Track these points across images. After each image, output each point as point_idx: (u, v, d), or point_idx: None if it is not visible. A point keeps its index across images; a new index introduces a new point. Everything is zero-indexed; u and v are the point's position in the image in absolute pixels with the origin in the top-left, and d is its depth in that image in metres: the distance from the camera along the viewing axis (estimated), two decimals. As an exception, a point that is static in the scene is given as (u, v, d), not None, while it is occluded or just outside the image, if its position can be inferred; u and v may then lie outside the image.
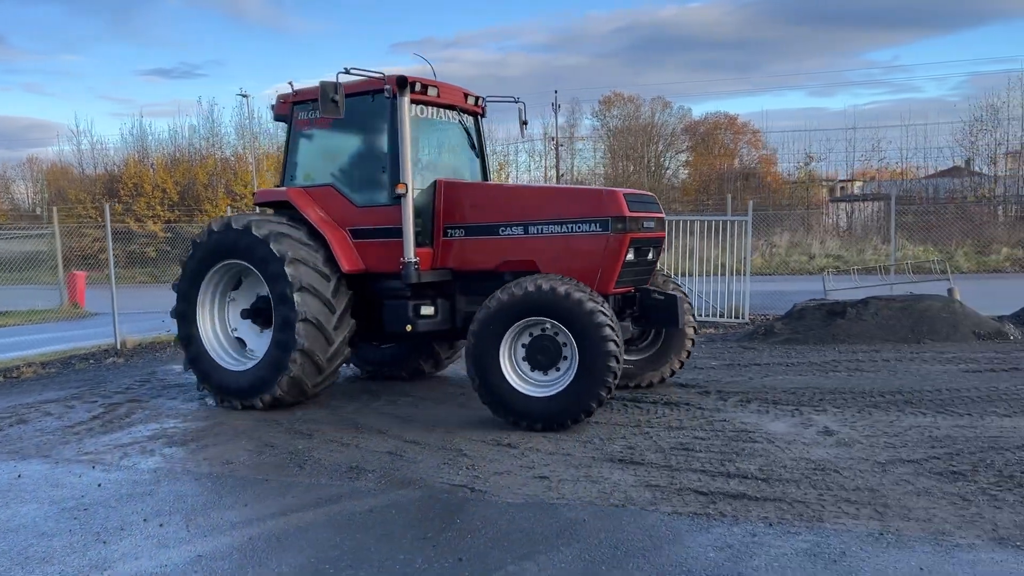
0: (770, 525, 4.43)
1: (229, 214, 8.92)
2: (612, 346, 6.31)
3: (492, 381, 6.65)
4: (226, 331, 8.14)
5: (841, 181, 41.59)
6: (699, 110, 79.21)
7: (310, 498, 5.14)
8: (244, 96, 30.30)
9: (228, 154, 33.89)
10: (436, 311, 7.56)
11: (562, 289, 6.44)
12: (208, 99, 70.22)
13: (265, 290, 7.67)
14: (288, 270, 7.21)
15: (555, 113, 39.55)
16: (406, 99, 7.30)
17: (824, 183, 40.70)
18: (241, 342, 8.17)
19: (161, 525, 4.71)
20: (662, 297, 7.42)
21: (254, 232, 7.40)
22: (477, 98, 8.45)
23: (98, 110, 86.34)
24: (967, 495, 4.75)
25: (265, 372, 7.47)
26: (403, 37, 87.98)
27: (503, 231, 7.36)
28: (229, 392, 7.74)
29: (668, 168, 49.15)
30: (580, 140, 47.29)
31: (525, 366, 6.71)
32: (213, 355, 7.92)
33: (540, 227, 7.21)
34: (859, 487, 4.96)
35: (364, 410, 7.63)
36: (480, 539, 4.39)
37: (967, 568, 3.84)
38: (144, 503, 5.11)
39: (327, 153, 8.32)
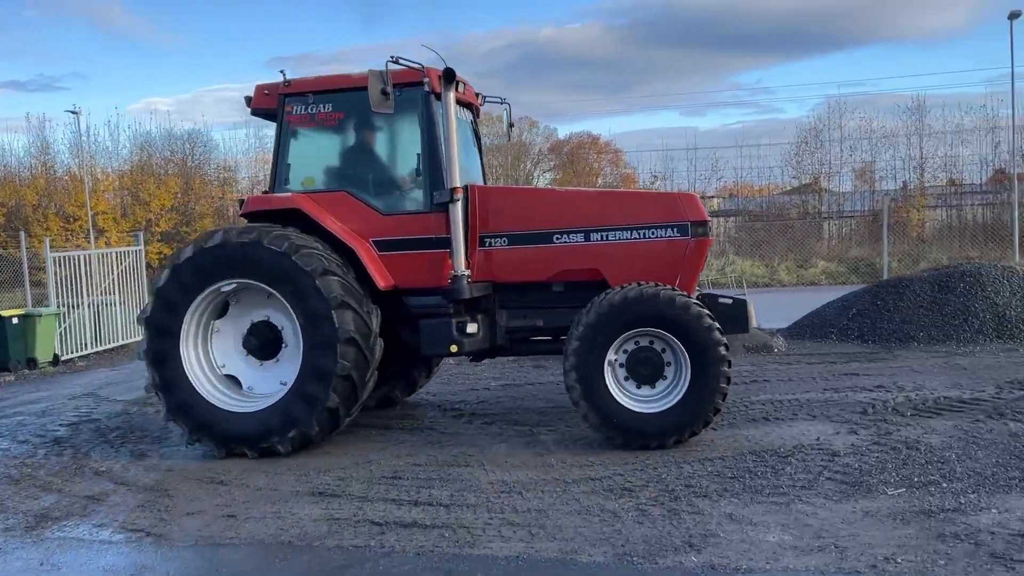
0: (419, 555, 4.52)
1: (221, 227, 7.35)
2: (725, 351, 6.24)
3: (599, 399, 6.32)
4: (213, 367, 7.01)
5: (705, 197, 43.40)
6: (576, 128, 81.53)
7: (-36, 553, 4.86)
8: (75, 113, 28.62)
9: (61, 173, 32.06)
10: (479, 328, 6.98)
11: (668, 297, 6.25)
12: (38, 114, 65.64)
13: (263, 314, 6.93)
14: (321, 284, 6.37)
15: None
16: (452, 95, 6.68)
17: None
18: (231, 379, 7.07)
19: None
20: (730, 302, 7.16)
21: (268, 244, 6.46)
22: (484, 97, 8.17)
23: (-64, 125, 79.74)
24: (620, 511, 5.00)
25: (291, 407, 6.53)
26: (280, 51, 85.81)
27: (558, 239, 6.93)
28: (239, 439, 6.65)
29: (537, 186, 50.16)
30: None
31: (629, 383, 6.47)
32: (209, 398, 6.76)
33: (605, 233, 6.88)
34: (530, 508, 5.14)
35: (101, 447, 7.31)
36: (114, 588, 4.27)
37: (568, 587, 4.04)
38: None
39: (335, 154, 7.52)
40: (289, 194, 7.07)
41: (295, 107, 7.15)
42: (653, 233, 6.85)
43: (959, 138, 30.62)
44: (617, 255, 6.87)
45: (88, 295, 13.85)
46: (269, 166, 7.78)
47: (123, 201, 31.82)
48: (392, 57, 6.53)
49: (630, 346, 6.45)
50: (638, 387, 6.47)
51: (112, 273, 14.44)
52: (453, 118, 6.63)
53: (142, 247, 15.35)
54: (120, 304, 14.60)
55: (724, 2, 76.33)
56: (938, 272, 12.02)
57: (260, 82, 7.37)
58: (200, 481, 6.14)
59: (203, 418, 6.69)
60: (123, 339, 14.60)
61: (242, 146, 40.15)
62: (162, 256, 27.02)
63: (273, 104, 7.25)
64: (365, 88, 6.47)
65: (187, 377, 6.76)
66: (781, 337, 11.73)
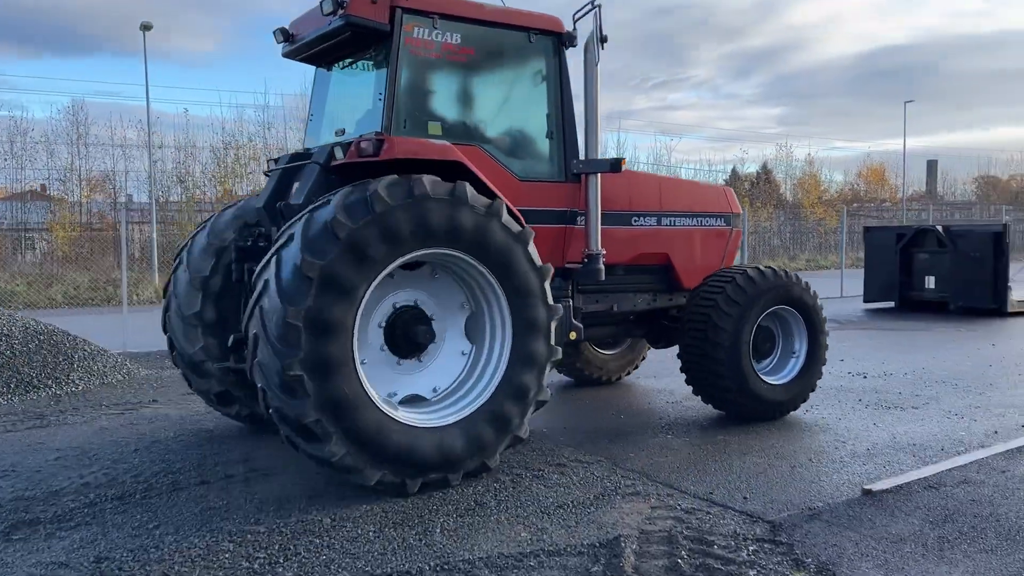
0: None
1: (398, 177, 4.99)
2: (827, 332, 7.18)
3: (743, 371, 6.60)
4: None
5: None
6: None
7: None
8: None
9: None
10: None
11: (798, 278, 6.98)
12: None
13: (389, 303, 5.32)
14: (532, 253, 5.35)
15: None
16: (599, 54, 6.20)
17: None
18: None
19: None
20: None
21: (472, 202, 5.08)
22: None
23: None
24: None
25: (503, 404, 5.27)
26: None
27: (636, 221, 6.84)
28: (450, 461, 5.09)
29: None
30: None
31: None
32: (402, 417, 5.03)
33: (673, 219, 7.06)
34: None
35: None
36: None
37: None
38: None
39: (460, 99, 6.19)
40: (445, 143, 5.56)
41: (417, 28, 5.68)
42: (706, 221, 7.29)
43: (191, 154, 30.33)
44: (681, 240, 7.11)
45: None
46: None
47: None
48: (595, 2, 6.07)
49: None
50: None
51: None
52: (598, 78, 6.19)
53: None
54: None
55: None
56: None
57: None
58: None
59: (403, 444, 4.91)
60: None
61: None
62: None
63: (379, 17, 5.54)
64: (500, 25, 6.02)
65: (366, 393, 4.84)
66: None
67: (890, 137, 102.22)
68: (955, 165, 72.45)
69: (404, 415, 5.10)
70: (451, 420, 5.19)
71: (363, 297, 4.81)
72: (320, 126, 6.53)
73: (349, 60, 6.32)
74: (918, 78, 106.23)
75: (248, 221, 6.37)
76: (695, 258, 7.20)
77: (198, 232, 6.55)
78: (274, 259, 4.79)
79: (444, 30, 5.81)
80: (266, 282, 4.76)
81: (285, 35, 6.26)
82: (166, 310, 6.51)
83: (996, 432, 6.47)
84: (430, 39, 5.77)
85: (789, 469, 5.59)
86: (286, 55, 6.44)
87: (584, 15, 6.24)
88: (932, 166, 62.40)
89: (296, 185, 5.85)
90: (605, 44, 6.12)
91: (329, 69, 6.59)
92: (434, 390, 5.49)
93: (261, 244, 6.04)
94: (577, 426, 6.93)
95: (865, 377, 9.05)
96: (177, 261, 6.50)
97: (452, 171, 5.33)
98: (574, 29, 6.36)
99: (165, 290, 6.62)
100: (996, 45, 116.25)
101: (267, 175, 6.46)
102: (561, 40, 6.27)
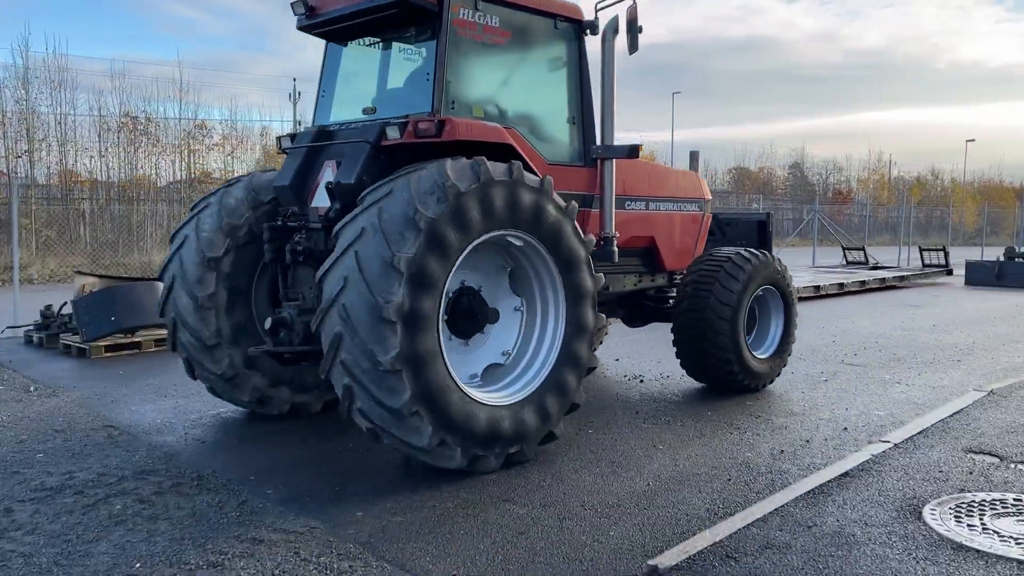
0: None
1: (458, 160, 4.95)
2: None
3: (740, 346, 7.07)
4: None
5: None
6: None
7: None
8: None
9: None
10: None
11: (778, 261, 7.53)
12: None
13: (475, 281, 5.50)
14: (580, 227, 5.56)
15: None
16: (614, 42, 6.32)
17: None
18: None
19: None
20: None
21: (527, 182, 5.17)
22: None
23: None
24: None
25: (560, 375, 5.45)
26: None
27: (629, 205, 7.01)
28: (520, 435, 5.20)
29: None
30: None
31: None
32: (483, 398, 5.16)
33: (659, 203, 7.32)
34: None
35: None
36: None
37: None
38: None
39: (497, 82, 6.25)
40: (496, 125, 5.63)
41: (462, 10, 5.71)
42: (685, 206, 7.66)
43: None
44: (665, 224, 7.41)
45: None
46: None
47: None
48: None
49: None
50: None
51: None
52: (614, 66, 6.32)
53: None
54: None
55: None
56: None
57: None
58: None
59: (487, 424, 5.01)
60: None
61: None
62: None
63: None
64: (532, 11, 6.07)
65: (452, 378, 4.88)
66: None
67: (660, 129, 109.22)
68: (714, 156, 78.44)
69: (482, 395, 5.15)
70: (523, 395, 5.34)
71: (445, 284, 4.83)
72: (333, 103, 6.42)
73: (376, 38, 6.25)
74: (683, 75, 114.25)
75: (262, 199, 6.22)
76: (675, 241, 7.59)
77: (202, 209, 6.19)
78: (351, 254, 4.63)
79: (485, 12, 5.87)
80: (346, 279, 4.61)
81: (306, 7, 6.04)
82: (168, 292, 6.13)
83: (782, 451, 5.73)
84: (474, 20, 5.83)
85: (557, 524, 4.39)
86: (303, 28, 6.19)
87: (608, 5, 6.42)
88: (695, 156, 66.18)
89: (337, 163, 5.72)
90: (640, 35, 6.26)
91: (345, 45, 6.44)
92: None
93: (291, 224, 5.93)
94: (301, 470, 5.33)
95: (642, 381, 8.22)
96: (181, 240, 6.14)
97: (497, 152, 5.38)
98: (596, 18, 6.48)
99: (163, 271, 6.22)
100: (747, 49, 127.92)
101: (286, 152, 6.27)
102: (583, 28, 6.46)
